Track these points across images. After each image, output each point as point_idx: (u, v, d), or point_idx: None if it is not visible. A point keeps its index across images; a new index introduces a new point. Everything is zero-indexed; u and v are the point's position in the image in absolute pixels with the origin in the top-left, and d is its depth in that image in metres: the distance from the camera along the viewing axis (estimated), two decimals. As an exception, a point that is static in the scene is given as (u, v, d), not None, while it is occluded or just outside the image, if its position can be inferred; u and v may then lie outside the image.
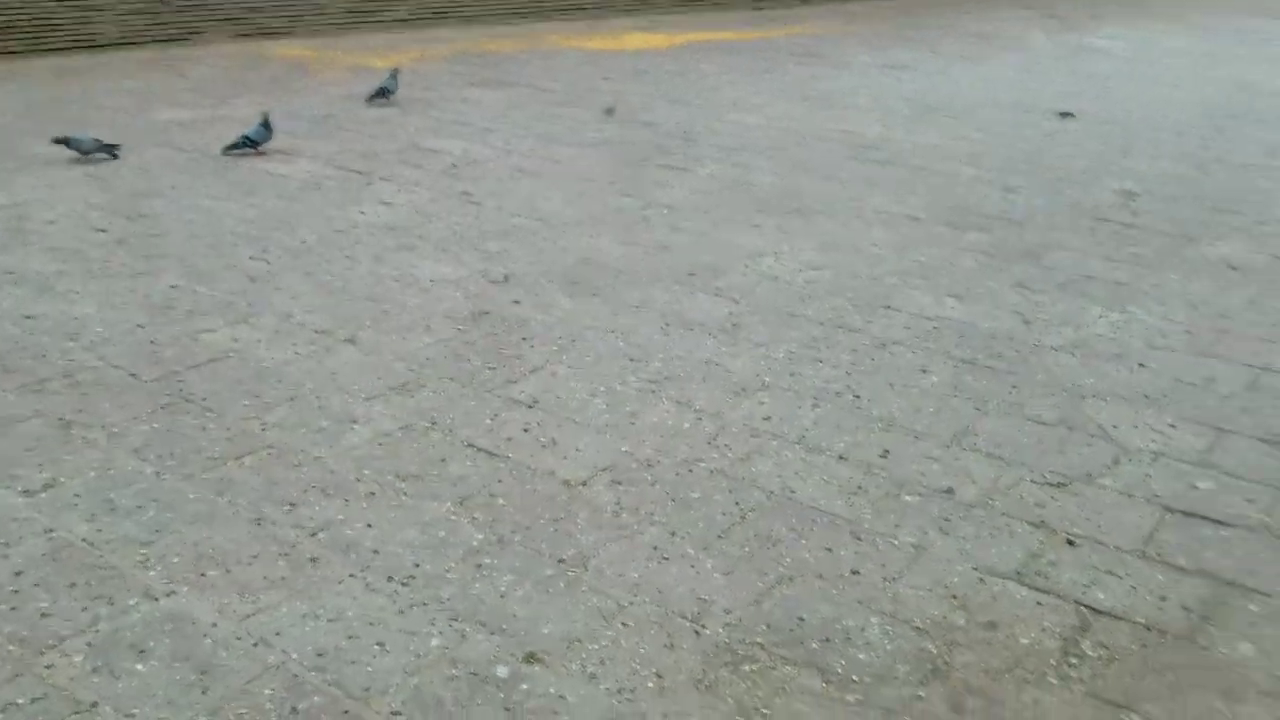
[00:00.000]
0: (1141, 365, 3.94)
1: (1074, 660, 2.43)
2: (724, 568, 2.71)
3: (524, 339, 4.04)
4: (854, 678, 2.35)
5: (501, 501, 2.97)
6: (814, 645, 2.45)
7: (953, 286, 4.69)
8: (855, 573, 2.73)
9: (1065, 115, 8.01)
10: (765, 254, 5.04)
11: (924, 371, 3.88)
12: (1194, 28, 12.41)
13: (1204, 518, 3.00)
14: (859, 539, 2.87)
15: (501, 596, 2.57)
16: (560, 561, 2.70)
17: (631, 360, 3.89)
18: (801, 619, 2.54)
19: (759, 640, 2.45)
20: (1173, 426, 3.50)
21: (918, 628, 2.53)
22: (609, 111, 7.81)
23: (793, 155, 6.82)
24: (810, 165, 6.59)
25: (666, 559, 2.73)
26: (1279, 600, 2.65)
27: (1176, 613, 2.60)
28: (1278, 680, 2.38)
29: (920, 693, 2.31)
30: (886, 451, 3.32)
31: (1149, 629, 2.54)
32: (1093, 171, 6.47)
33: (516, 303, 4.37)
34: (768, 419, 3.49)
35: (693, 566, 2.71)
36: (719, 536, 2.84)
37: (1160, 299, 4.56)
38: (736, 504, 3.00)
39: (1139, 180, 6.29)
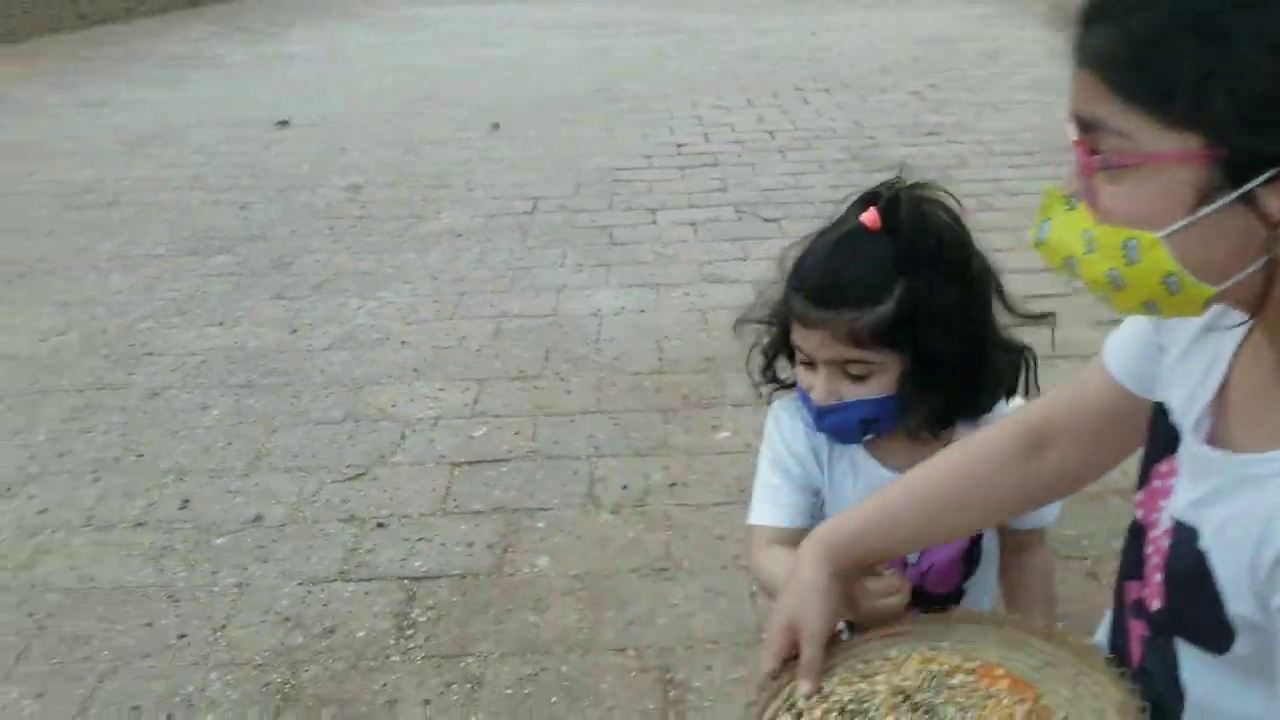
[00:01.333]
0: (404, 343, 4.24)
1: (410, 632, 2.60)
2: (34, 691, 2.43)
3: None
4: (207, 742, 2.28)
5: None
6: (157, 728, 2.32)
7: (211, 315, 4.61)
8: (182, 636, 2.61)
9: (281, 124, 8.18)
10: (-8, 333, 4.50)
11: (204, 409, 3.78)
12: (370, 21, 13.36)
13: (485, 461, 3.35)
14: (178, 601, 2.75)
15: None
16: None
17: None
18: (137, 707, 2.37)
19: (92, 751, 2.25)
20: (442, 390, 3.83)
21: (259, 665, 2.50)
22: None
23: (-2, 217, 6.12)
24: (21, 225, 5.96)
25: (-42, 710, 2.38)
26: (557, 510, 3.07)
27: (483, 553, 2.89)
28: (571, 579, 2.77)
29: (277, 726, 2.31)
30: (186, 501, 3.20)
31: (464, 577, 2.80)
32: (317, 173, 6.72)
33: None
34: (44, 511, 3.16)
35: (-6, 704, 2.39)
36: (18, 660, 2.53)
37: (405, 278, 4.93)
38: (30, 616, 2.69)
39: (361, 172, 6.68)
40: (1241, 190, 0.74)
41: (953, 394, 1.31)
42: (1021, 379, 1.42)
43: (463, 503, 3.13)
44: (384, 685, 2.42)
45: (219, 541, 3.00)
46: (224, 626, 2.64)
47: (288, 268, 5.13)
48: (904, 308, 1.27)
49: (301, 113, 8.48)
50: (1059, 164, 6.12)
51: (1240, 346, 0.95)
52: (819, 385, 1.34)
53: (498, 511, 3.08)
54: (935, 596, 1.46)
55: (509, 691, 2.39)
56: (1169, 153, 0.75)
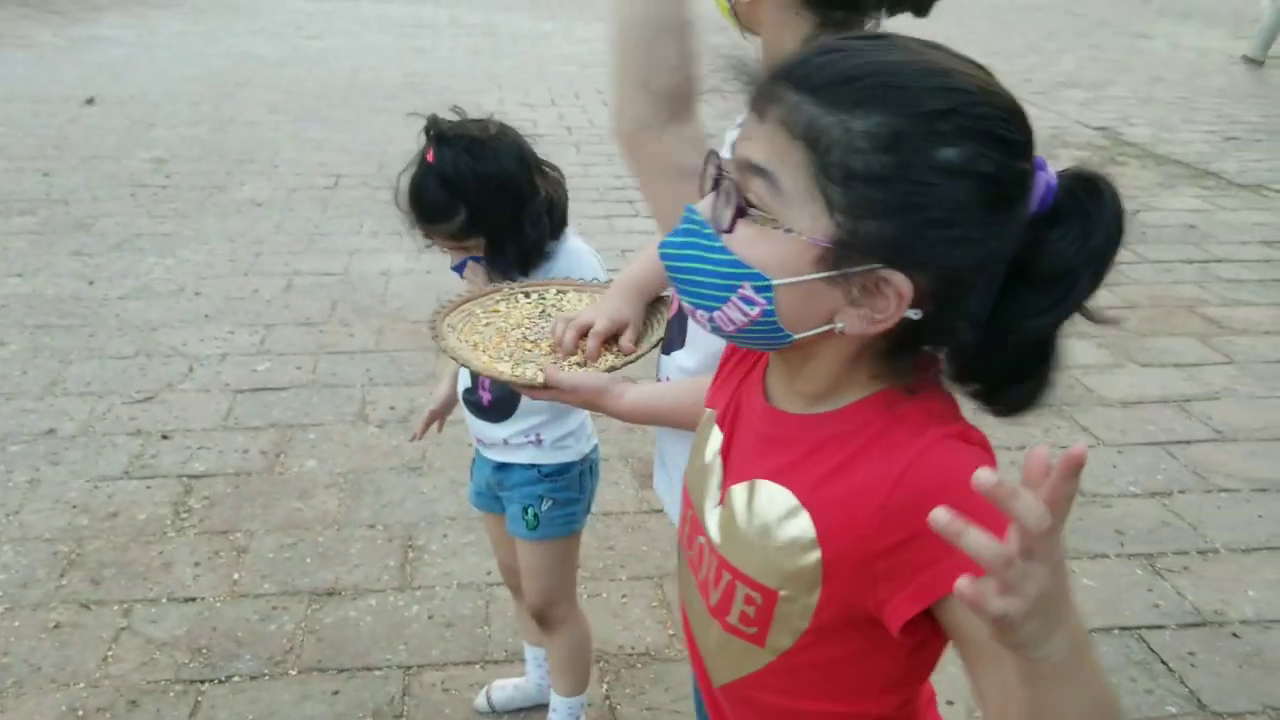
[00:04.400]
0: (198, 293, 4.58)
1: (185, 515, 3.00)
2: None
3: None
4: (-3, 594, 2.63)
5: None
6: (-50, 586, 2.65)
7: (10, 268, 4.82)
8: (-26, 522, 2.94)
9: (89, 101, 8.25)
10: None
11: (1, 344, 4.04)
12: (190, 11, 13.31)
13: (267, 389, 3.75)
14: (-28, 496, 3.06)
15: None
16: None
17: None
18: (-69, 572, 2.70)
19: (-110, 599, 2.57)
20: (231, 333, 4.20)
21: (48, 539, 2.86)
22: None
23: None
24: None
25: None
26: (328, 425, 3.51)
27: (258, 458, 3.31)
28: (335, 476, 3.22)
29: (62, 582, 2.68)
30: (-20, 421, 3.49)
31: (239, 475, 3.21)
32: (123, 146, 6.88)
33: None
34: None
35: None
36: None
37: (204, 240, 5.24)
38: None
39: (166, 147, 6.89)
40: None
41: (519, 243, 1.86)
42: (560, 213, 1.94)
43: (243, 420, 3.53)
44: (160, 553, 2.82)
45: (13, 449, 3.31)
46: (17, 512, 2.98)
47: (88, 228, 5.36)
48: (471, 214, 1.84)
49: (110, 92, 8.55)
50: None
51: None
52: (450, 256, 1.94)
53: (274, 427, 3.50)
54: None
55: (270, 556, 2.83)
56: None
